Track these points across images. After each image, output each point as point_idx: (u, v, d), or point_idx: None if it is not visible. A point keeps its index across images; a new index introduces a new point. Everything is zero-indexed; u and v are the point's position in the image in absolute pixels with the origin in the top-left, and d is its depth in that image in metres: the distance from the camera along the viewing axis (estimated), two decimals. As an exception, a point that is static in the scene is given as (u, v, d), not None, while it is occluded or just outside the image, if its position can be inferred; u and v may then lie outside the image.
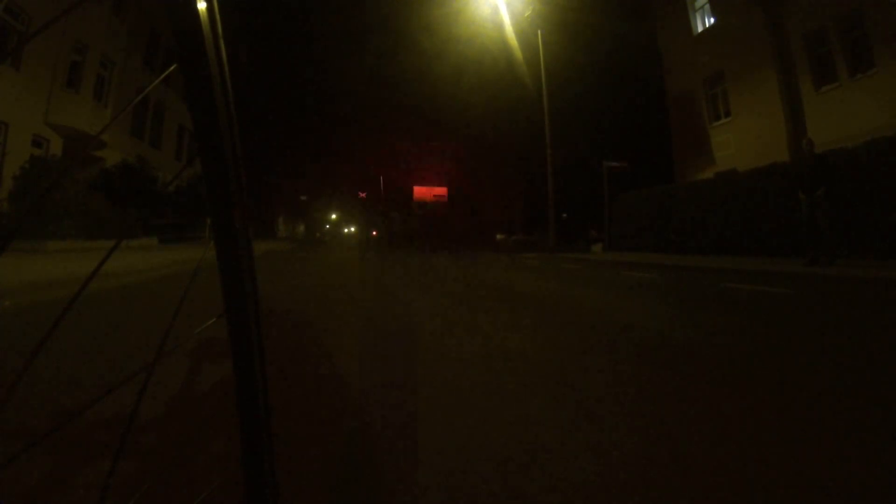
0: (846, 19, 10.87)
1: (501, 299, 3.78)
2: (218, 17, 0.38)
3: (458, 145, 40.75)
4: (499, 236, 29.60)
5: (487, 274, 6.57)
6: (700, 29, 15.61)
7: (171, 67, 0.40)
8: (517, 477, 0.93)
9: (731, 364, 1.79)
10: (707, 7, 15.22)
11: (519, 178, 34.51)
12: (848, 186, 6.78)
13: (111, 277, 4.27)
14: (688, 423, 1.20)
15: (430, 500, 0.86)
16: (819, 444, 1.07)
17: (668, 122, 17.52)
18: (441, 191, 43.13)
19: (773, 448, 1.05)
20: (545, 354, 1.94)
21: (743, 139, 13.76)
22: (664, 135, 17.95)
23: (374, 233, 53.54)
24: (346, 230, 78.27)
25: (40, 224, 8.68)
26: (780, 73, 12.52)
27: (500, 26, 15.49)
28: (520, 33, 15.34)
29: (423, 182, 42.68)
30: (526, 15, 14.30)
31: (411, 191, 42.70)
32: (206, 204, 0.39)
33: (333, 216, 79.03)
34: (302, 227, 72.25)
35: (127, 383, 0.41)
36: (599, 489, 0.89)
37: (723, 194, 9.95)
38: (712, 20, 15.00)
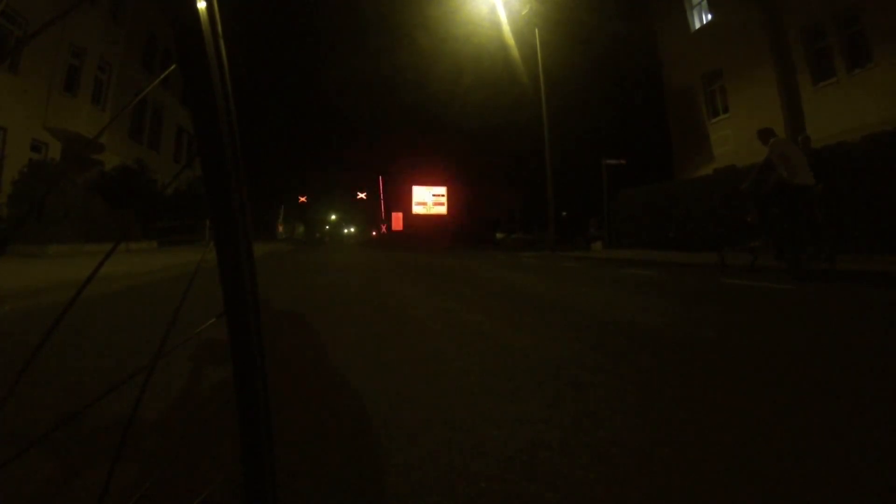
0: (844, 14, 10.87)
1: (501, 298, 3.78)
2: (218, 17, 0.38)
3: (456, 144, 40.74)
4: (498, 235, 29.60)
5: (487, 273, 6.57)
6: (697, 25, 15.61)
7: (171, 68, 0.40)
8: (518, 475, 0.93)
9: (731, 361, 1.79)
10: (704, 3, 15.21)
11: (518, 176, 34.52)
12: (846, 182, 6.79)
13: (112, 281, 4.26)
14: (689, 421, 1.20)
15: (431, 498, 0.86)
16: (820, 441, 1.07)
17: (667, 118, 17.52)
18: (440, 190, 43.13)
19: (773, 446, 1.05)
20: (545, 352, 1.94)
21: (741, 135, 13.74)
22: (663, 131, 17.95)
23: (374, 233, 53.60)
24: (345, 230, 78.37)
25: (40, 228, 8.68)
26: (778, 68, 12.52)
27: (497, 25, 15.50)
28: (517, 32, 15.36)
29: (422, 182, 42.67)
30: (523, 13, 14.30)
31: (410, 191, 42.69)
32: (206, 205, 0.39)
33: (333, 217, 79.05)
34: (301, 228, 72.20)
35: (127, 384, 0.41)
36: (600, 487, 0.89)
37: (722, 190, 9.94)
38: (709, 16, 15.00)
